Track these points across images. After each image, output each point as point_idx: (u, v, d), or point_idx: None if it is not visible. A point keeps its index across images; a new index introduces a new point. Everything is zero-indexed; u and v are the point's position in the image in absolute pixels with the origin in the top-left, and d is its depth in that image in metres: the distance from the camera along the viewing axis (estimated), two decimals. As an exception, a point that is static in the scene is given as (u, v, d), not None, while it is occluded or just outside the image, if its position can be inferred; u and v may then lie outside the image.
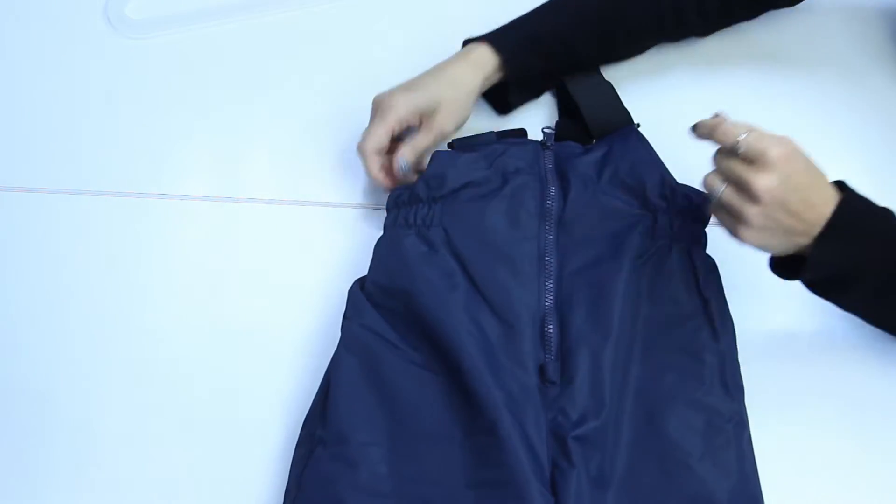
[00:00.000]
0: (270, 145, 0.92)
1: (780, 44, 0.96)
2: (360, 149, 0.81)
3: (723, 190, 0.68)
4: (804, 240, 0.67)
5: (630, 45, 0.91)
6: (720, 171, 0.68)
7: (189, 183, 0.89)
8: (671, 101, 0.91)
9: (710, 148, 0.70)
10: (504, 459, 0.68)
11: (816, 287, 0.71)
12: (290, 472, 0.72)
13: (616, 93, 0.87)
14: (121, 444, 0.76)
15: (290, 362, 0.79)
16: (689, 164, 0.76)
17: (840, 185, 0.70)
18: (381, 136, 0.80)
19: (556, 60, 0.87)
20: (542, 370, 0.73)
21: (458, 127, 0.83)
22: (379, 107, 0.82)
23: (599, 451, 0.70)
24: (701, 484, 0.69)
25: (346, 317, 0.76)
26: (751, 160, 0.66)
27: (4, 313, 0.83)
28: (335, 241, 0.85)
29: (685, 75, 0.93)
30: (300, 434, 0.73)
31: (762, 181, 0.65)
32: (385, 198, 0.85)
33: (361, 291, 0.77)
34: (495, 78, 0.85)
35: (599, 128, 0.85)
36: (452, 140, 0.84)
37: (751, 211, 0.66)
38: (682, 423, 0.71)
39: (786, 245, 0.68)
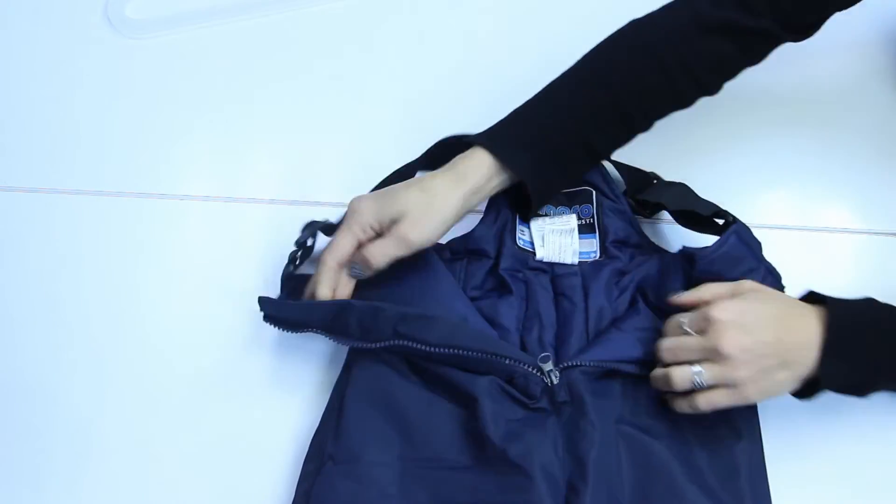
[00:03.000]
0: (271, 145, 0.92)
1: (780, 72, 0.96)
2: (322, 260, 0.74)
3: (701, 372, 0.67)
4: (804, 367, 0.67)
5: (646, 124, 0.80)
6: (676, 355, 0.68)
7: (189, 183, 0.89)
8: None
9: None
10: (520, 484, 0.67)
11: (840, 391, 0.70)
12: (298, 485, 0.71)
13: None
14: (120, 449, 0.76)
15: (293, 361, 0.79)
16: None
17: (814, 297, 0.70)
18: (345, 247, 0.74)
19: (577, 168, 0.80)
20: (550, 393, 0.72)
21: (429, 239, 0.73)
22: (348, 213, 0.75)
23: (606, 479, 0.69)
24: None
25: None
26: (700, 330, 0.68)
27: (4, 313, 0.83)
28: (335, 242, 0.85)
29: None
30: (310, 447, 0.73)
31: (724, 338, 0.66)
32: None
33: None
34: (489, 187, 0.76)
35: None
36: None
37: (731, 368, 0.66)
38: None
39: (790, 378, 0.67)
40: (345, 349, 0.76)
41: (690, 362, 0.67)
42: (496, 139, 0.76)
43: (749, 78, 0.94)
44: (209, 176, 0.90)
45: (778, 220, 0.86)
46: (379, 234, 0.74)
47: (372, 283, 0.75)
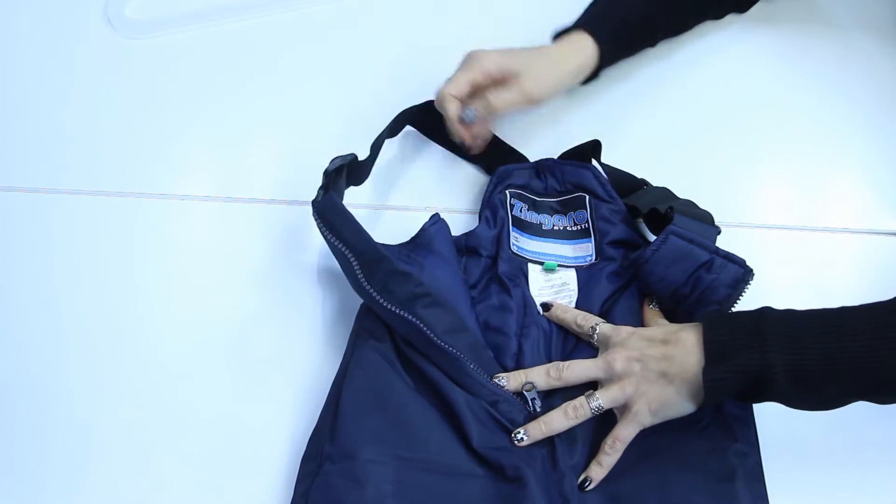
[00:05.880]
0: (271, 145, 0.92)
1: (780, 71, 0.97)
2: (440, 94, 0.82)
3: (594, 395, 0.71)
4: (687, 379, 0.68)
5: (691, 22, 0.96)
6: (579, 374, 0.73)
7: (189, 183, 0.89)
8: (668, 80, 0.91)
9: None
10: (515, 492, 0.68)
11: (741, 398, 0.70)
12: (296, 486, 0.71)
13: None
14: (118, 449, 0.75)
15: (292, 362, 0.78)
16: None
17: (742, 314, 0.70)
18: (462, 84, 0.82)
19: (639, 46, 0.92)
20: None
21: (547, 96, 0.85)
22: (467, 58, 0.84)
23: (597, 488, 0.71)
24: None
25: (357, 334, 0.76)
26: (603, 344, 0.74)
27: (3, 314, 0.82)
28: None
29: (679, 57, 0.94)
30: (307, 448, 0.72)
31: (613, 354, 0.71)
32: (385, 198, 0.85)
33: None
34: (589, 65, 0.87)
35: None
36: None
37: (621, 385, 0.69)
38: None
39: (675, 393, 0.69)
40: (344, 340, 0.76)
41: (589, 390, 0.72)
42: (599, 30, 0.86)
43: (749, 77, 0.95)
44: (209, 176, 0.90)
45: (778, 220, 0.86)
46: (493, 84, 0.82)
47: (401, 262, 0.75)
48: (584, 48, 0.86)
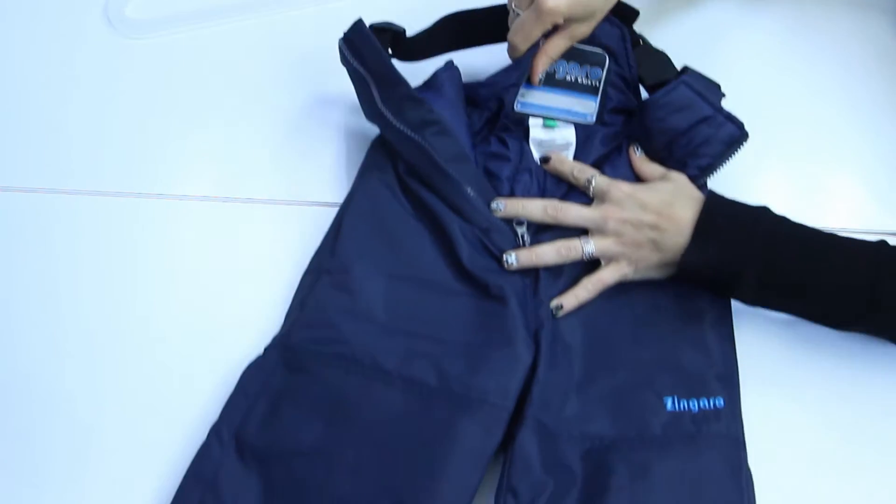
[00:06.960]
0: (270, 145, 0.92)
1: (781, 70, 0.97)
2: (516, 45, 0.78)
3: (588, 241, 0.75)
4: (673, 251, 0.73)
5: None
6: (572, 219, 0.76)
7: (188, 183, 0.89)
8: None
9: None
10: (497, 310, 0.73)
11: (710, 287, 0.75)
12: (294, 297, 0.77)
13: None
14: (119, 450, 0.75)
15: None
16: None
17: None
18: (536, 37, 0.78)
19: None
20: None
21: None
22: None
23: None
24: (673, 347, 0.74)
25: (366, 167, 0.83)
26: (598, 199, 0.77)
27: (4, 313, 0.82)
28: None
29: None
30: (309, 264, 0.79)
31: (608, 211, 0.75)
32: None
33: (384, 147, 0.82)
34: None
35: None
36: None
37: (612, 241, 0.74)
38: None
39: (660, 259, 0.74)
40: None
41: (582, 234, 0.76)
42: None
43: (750, 77, 0.95)
44: (208, 176, 0.90)
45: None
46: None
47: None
48: None
